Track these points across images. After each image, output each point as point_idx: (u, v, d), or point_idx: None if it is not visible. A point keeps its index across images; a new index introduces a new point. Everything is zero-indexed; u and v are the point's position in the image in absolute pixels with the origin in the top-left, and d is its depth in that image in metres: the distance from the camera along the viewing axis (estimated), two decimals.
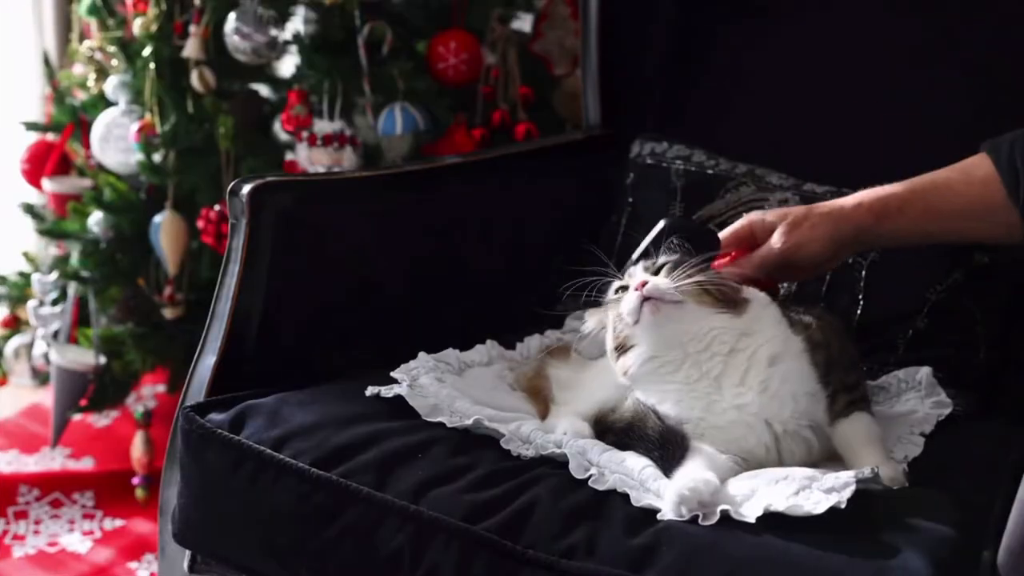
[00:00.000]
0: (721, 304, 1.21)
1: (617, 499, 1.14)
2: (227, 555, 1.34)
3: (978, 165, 1.32)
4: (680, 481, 1.12)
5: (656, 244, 1.31)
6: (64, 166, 2.38)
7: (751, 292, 1.26)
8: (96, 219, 2.17)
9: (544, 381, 1.39)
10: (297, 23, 2.08)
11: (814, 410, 1.20)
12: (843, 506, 1.07)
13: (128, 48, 2.12)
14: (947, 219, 1.32)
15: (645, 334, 1.21)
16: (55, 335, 2.29)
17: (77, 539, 2.08)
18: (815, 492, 1.10)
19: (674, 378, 1.20)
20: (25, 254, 2.56)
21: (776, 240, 1.32)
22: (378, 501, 1.18)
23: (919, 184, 1.33)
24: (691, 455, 1.16)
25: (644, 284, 1.19)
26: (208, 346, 1.44)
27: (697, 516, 1.09)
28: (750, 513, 1.08)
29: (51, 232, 2.28)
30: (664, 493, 1.13)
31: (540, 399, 1.38)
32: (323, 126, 2.00)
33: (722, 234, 1.35)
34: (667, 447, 1.18)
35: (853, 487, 1.09)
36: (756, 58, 1.82)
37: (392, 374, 1.36)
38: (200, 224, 2.04)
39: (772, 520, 1.07)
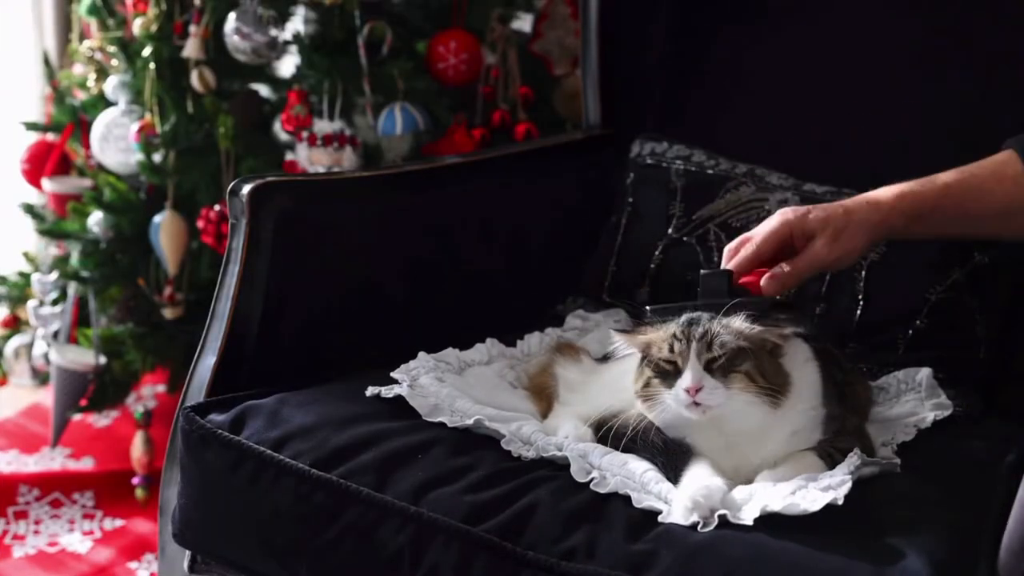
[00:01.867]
0: (767, 393, 1.17)
1: (618, 501, 1.14)
2: (227, 555, 1.34)
3: (1007, 163, 1.32)
4: (691, 487, 1.12)
5: (704, 296, 1.27)
6: (64, 166, 2.37)
7: (793, 353, 1.21)
8: (96, 219, 2.17)
9: (550, 379, 1.39)
10: (297, 23, 2.08)
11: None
12: (840, 502, 1.07)
13: (128, 48, 2.12)
14: (978, 219, 1.33)
15: (686, 425, 1.19)
16: (55, 335, 2.29)
17: (77, 539, 2.08)
18: (811, 491, 1.10)
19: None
20: (25, 254, 2.56)
21: (822, 250, 1.29)
22: (378, 502, 1.18)
23: (952, 185, 1.32)
24: (696, 460, 1.16)
25: (697, 390, 1.16)
26: (208, 346, 1.44)
27: (697, 523, 1.09)
28: (748, 516, 1.08)
29: (51, 232, 2.28)
30: (668, 496, 1.13)
31: (543, 397, 1.38)
32: (323, 126, 2.00)
33: (760, 235, 1.31)
34: (672, 454, 1.18)
35: (849, 484, 1.09)
36: (756, 58, 1.82)
37: (392, 374, 1.36)
38: (200, 224, 2.04)
39: (771, 521, 1.08)
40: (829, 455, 1.18)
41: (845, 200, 1.35)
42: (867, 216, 1.31)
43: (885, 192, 1.34)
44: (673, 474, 1.16)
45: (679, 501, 1.11)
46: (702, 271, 1.30)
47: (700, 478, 1.13)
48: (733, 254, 1.31)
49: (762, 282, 1.28)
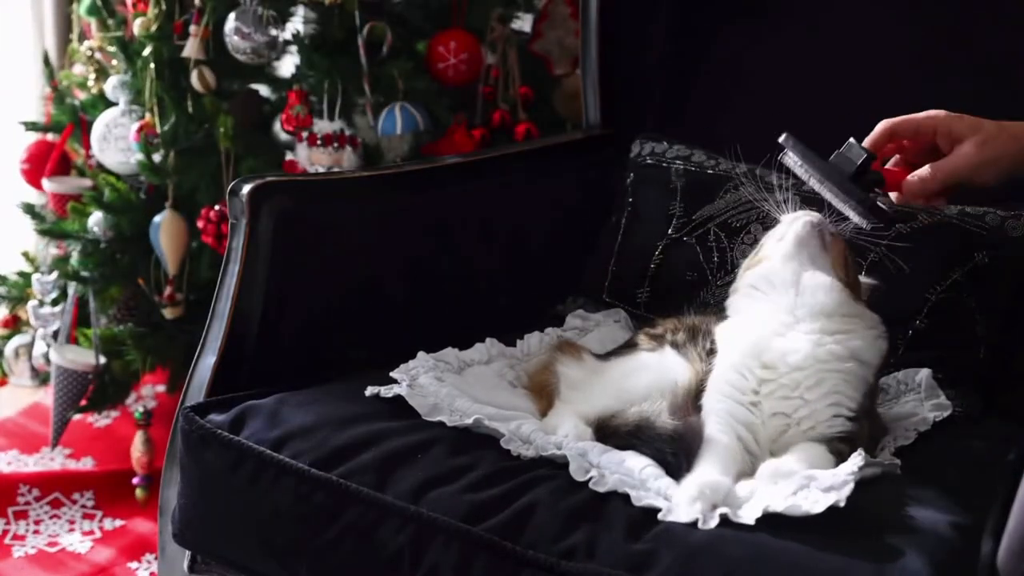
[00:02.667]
0: (846, 279, 1.27)
1: (617, 500, 1.14)
2: (227, 555, 1.34)
3: None
4: (700, 479, 1.12)
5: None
6: (64, 166, 2.38)
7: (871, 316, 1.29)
8: (96, 219, 2.17)
9: (551, 377, 1.39)
10: (297, 23, 2.08)
11: (823, 423, 1.21)
12: (842, 504, 1.07)
13: (128, 48, 2.12)
14: None
15: (785, 246, 1.29)
16: (55, 335, 2.29)
17: (77, 539, 2.08)
18: (813, 491, 1.10)
19: (766, 304, 1.27)
20: (25, 254, 2.56)
21: (970, 150, 1.25)
22: (378, 501, 1.18)
23: None
24: (705, 450, 1.17)
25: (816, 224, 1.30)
26: (208, 346, 1.44)
27: (698, 519, 1.09)
28: (749, 515, 1.08)
29: (51, 232, 2.28)
30: (667, 492, 1.13)
31: (544, 395, 1.38)
32: (323, 126, 2.00)
33: (898, 120, 1.30)
34: (683, 440, 1.18)
35: (852, 485, 1.09)
36: (756, 58, 1.82)
37: (391, 374, 1.36)
38: (200, 224, 2.04)
39: (771, 520, 1.08)
40: (839, 452, 1.19)
41: None
42: (1020, 131, 1.27)
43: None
44: (685, 461, 1.16)
45: (685, 490, 1.12)
46: (850, 140, 1.30)
47: (709, 473, 1.13)
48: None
49: (905, 181, 1.26)
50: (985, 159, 1.26)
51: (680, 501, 1.11)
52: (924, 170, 1.27)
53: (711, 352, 1.29)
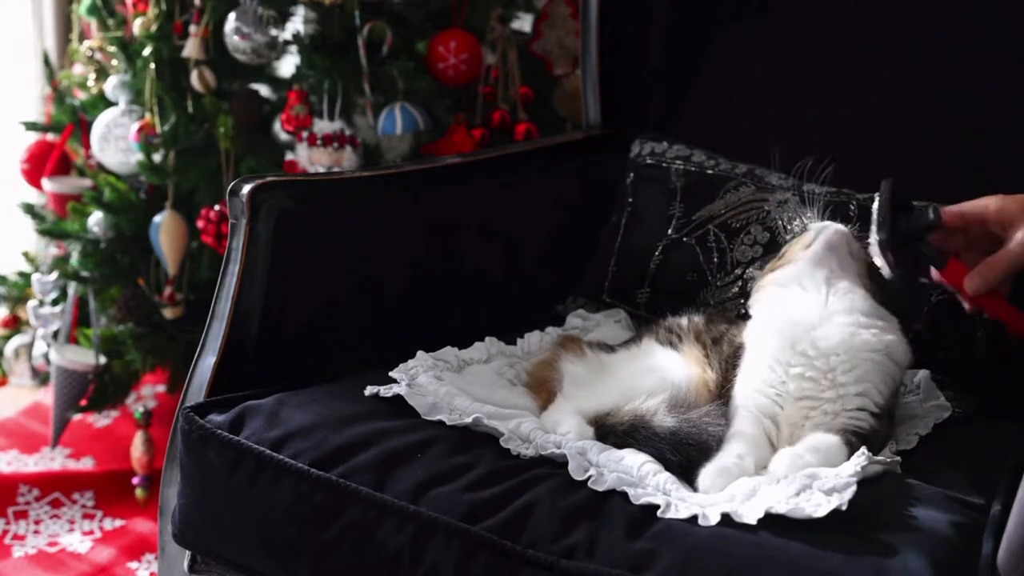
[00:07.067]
0: (872, 288, 1.30)
1: (617, 498, 1.13)
2: (227, 555, 1.34)
3: None
4: (728, 456, 1.17)
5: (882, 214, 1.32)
6: (64, 166, 2.38)
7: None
8: (96, 219, 2.17)
9: (553, 373, 1.39)
10: (297, 23, 2.08)
11: (847, 412, 1.22)
12: (844, 508, 1.07)
13: (128, 48, 2.13)
14: None
15: (815, 251, 1.32)
16: (55, 335, 2.29)
17: (77, 539, 2.08)
18: (816, 493, 1.10)
19: (796, 300, 1.30)
20: (25, 254, 2.56)
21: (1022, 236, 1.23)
22: (377, 501, 1.18)
23: None
24: (732, 439, 1.20)
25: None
26: (208, 346, 1.44)
27: (697, 516, 1.09)
28: (751, 515, 1.08)
29: (51, 232, 2.28)
30: (667, 487, 1.14)
31: (544, 390, 1.37)
32: (323, 126, 2.00)
33: (950, 210, 1.30)
34: (679, 437, 1.19)
35: (854, 487, 1.09)
36: (756, 58, 1.82)
37: (391, 373, 1.36)
38: (200, 224, 2.04)
39: (772, 520, 1.07)
40: (851, 444, 1.19)
41: None
42: None
43: None
44: (684, 457, 1.17)
45: (712, 465, 1.15)
46: (934, 204, 1.31)
47: (729, 453, 1.17)
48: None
49: (966, 281, 1.27)
50: None
51: (706, 471, 1.15)
52: (982, 267, 1.27)
53: (731, 355, 1.31)
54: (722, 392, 1.28)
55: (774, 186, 1.63)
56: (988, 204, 1.28)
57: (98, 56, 2.22)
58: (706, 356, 1.32)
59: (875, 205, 1.33)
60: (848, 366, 1.23)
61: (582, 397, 1.32)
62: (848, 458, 1.17)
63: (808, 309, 1.28)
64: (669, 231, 1.66)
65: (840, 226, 1.35)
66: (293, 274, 1.48)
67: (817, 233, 1.34)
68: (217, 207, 2.02)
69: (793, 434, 1.22)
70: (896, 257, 1.28)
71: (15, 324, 2.55)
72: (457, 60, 2.05)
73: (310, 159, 1.98)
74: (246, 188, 1.43)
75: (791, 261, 1.35)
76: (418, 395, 1.31)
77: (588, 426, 1.26)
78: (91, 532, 2.10)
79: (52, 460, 2.31)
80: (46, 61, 2.54)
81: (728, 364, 1.31)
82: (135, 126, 2.10)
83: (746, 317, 1.37)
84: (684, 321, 1.40)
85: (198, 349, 1.45)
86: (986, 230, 1.29)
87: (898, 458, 1.22)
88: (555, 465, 1.20)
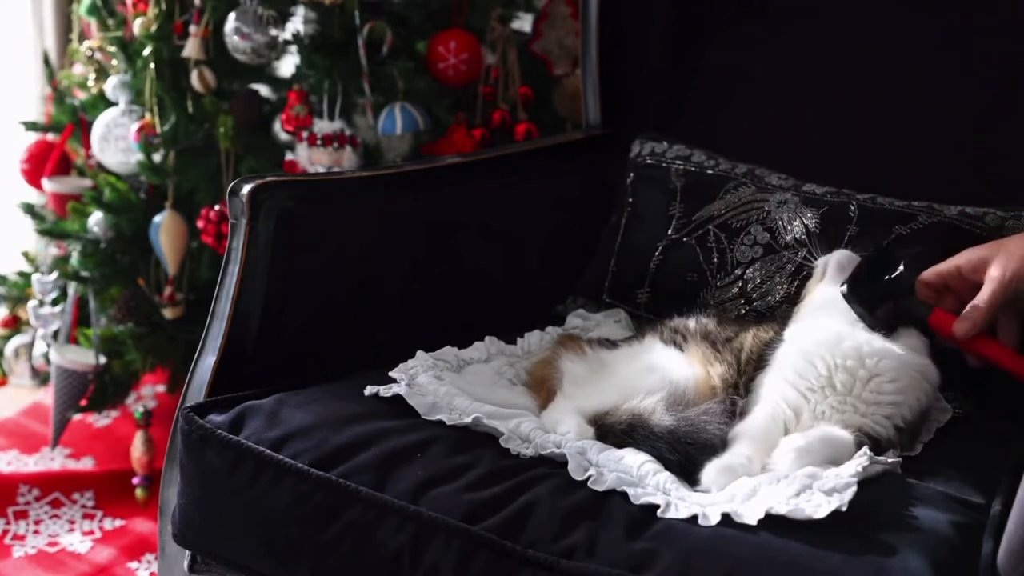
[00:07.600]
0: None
1: (617, 498, 1.14)
2: (227, 555, 1.34)
3: None
4: (737, 453, 1.17)
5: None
6: (64, 166, 2.38)
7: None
8: (96, 219, 2.17)
9: (553, 371, 1.39)
10: (297, 23, 2.08)
11: (874, 417, 1.24)
12: (844, 509, 1.07)
13: (128, 48, 2.13)
14: None
15: (828, 280, 1.38)
16: (55, 335, 2.29)
17: (77, 539, 2.08)
18: (816, 494, 1.10)
19: (835, 319, 1.32)
20: (25, 254, 2.56)
21: (995, 273, 1.28)
22: (377, 501, 1.18)
23: None
24: (745, 429, 1.20)
25: None
26: (208, 346, 1.44)
27: (697, 516, 1.09)
28: (751, 516, 1.08)
29: (51, 232, 2.28)
30: (666, 486, 1.14)
31: (543, 389, 1.37)
32: (323, 126, 2.00)
33: (927, 275, 1.35)
34: (677, 436, 1.19)
35: (854, 488, 1.09)
36: (756, 58, 1.82)
37: (390, 373, 1.36)
38: (200, 224, 2.04)
39: (772, 520, 1.07)
40: (860, 444, 1.20)
41: None
42: None
43: None
44: (683, 456, 1.17)
45: (718, 462, 1.16)
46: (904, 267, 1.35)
47: (736, 452, 1.18)
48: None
49: (954, 328, 1.30)
50: (1010, 268, 1.28)
51: (713, 465, 1.15)
52: (967, 309, 1.30)
53: (757, 350, 1.32)
54: (736, 389, 1.28)
55: (774, 186, 1.63)
56: (958, 259, 1.33)
57: (98, 56, 2.22)
58: (716, 354, 1.32)
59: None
60: (892, 375, 1.25)
61: (582, 396, 1.32)
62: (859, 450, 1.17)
63: (849, 325, 1.30)
64: (669, 231, 1.66)
65: (842, 251, 1.41)
66: (293, 274, 1.48)
67: (824, 264, 1.40)
68: (217, 207, 2.02)
69: (812, 427, 1.22)
70: (866, 308, 1.31)
71: (15, 324, 2.55)
72: (457, 60, 2.05)
73: (310, 159, 1.98)
74: (246, 188, 1.43)
75: (810, 293, 1.40)
76: (418, 395, 1.31)
77: (588, 425, 1.26)
78: (91, 532, 2.10)
79: (52, 460, 2.31)
80: (46, 61, 2.54)
81: (750, 361, 1.31)
82: (135, 126, 2.10)
83: (760, 319, 1.38)
84: (692, 323, 1.40)
85: (198, 349, 1.45)
86: (968, 283, 1.33)
87: (899, 459, 1.22)
88: (555, 465, 1.20)
